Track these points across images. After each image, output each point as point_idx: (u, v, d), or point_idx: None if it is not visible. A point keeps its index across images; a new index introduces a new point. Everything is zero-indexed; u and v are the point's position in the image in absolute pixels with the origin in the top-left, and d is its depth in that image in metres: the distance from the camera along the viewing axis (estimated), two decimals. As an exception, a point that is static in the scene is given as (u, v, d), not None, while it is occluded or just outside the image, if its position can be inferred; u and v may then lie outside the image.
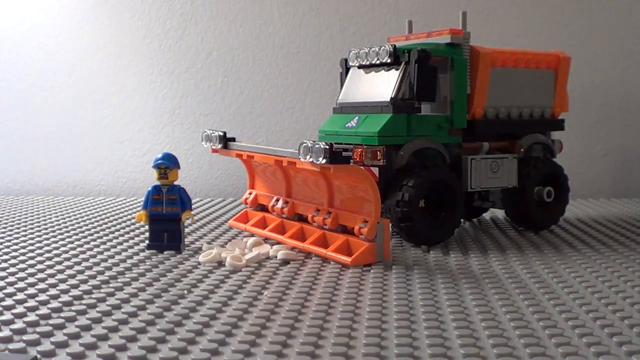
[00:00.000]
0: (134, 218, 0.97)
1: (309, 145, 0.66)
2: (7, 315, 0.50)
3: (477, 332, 0.47)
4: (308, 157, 0.66)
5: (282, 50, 1.30)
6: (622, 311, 0.51)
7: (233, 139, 0.84)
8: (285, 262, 0.69)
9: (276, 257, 0.70)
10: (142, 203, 0.75)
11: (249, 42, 1.31)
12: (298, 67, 1.30)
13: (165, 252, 0.74)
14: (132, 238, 0.83)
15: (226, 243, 0.78)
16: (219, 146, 0.84)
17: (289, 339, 0.45)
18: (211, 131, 0.85)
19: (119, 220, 0.96)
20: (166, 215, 0.74)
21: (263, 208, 0.86)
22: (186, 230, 0.86)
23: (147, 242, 0.75)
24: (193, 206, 0.79)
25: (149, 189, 0.75)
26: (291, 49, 1.30)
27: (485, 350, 0.43)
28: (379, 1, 1.27)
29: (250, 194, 0.87)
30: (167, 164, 0.74)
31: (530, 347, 0.43)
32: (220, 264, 0.69)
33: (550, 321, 0.49)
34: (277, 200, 0.81)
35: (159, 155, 0.75)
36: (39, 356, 0.42)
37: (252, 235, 0.82)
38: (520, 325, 0.48)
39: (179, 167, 0.75)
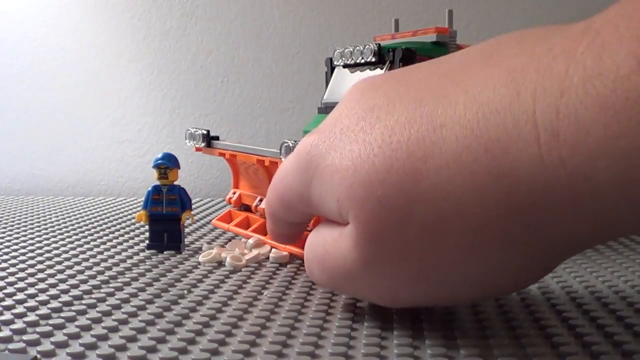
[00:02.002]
0: (134, 218, 0.97)
1: (291, 145, 0.65)
2: (7, 315, 0.50)
3: (477, 332, 0.47)
4: None
5: (282, 50, 1.30)
6: (622, 311, 0.51)
7: (217, 138, 0.83)
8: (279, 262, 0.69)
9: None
10: (142, 203, 0.75)
11: (249, 42, 1.31)
12: (298, 67, 1.30)
13: (165, 252, 0.74)
14: (132, 238, 0.83)
15: (226, 243, 0.78)
16: (203, 145, 0.83)
17: (289, 339, 0.45)
18: (195, 129, 0.84)
19: (119, 220, 0.96)
20: (166, 215, 0.74)
21: (247, 208, 0.85)
22: (186, 230, 0.86)
23: (147, 242, 0.75)
24: (193, 206, 0.79)
25: (149, 189, 0.75)
26: (291, 49, 1.30)
27: (485, 350, 0.43)
28: (378, 1, 1.27)
29: (234, 193, 0.87)
30: (167, 164, 0.74)
31: (530, 347, 0.43)
32: (220, 264, 0.69)
33: (550, 321, 0.49)
34: (261, 200, 0.81)
35: (159, 155, 0.75)
36: (39, 356, 0.42)
37: (236, 235, 0.82)
38: (520, 325, 0.48)
39: (179, 167, 0.75)
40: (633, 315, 0.50)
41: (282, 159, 0.66)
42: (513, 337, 0.46)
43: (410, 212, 0.41)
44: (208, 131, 0.83)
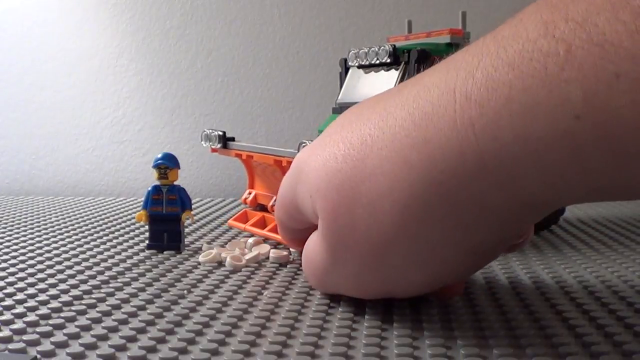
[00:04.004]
0: (134, 218, 0.97)
1: (309, 144, 0.66)
2: (7, 315, 0.50)
3: (477, 332, 0.47)
4: None
5: (282, 50, 1.30)
6: (622, 311, 0.51)
7: (232, 139, 0.84)
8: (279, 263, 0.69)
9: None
10: (142, 203, 0.75)
11: (249, 42, 1.31)
12: (298, 67, 1.30)
13: (165, 252, 0.74)
14: (132, 238, 0.83)
15: (226, 243, 0.78)
16: (219, 146, 0.84)
17: (288, 339, 0.45)
18: (211, 130, 0.85)
19: (119, 220, 0.96)
20: (166, 215, 0.74)
21: (263, 208, 0.86)
22: (186, 230, 0.86)
23: (147, 242, 0.75)
24: (193, 206, 0.79)
25: (149, 189, 0.75)
26: (291, 49, 1.30)
27: (485, 350, 0.43)
28: (379, 1, 1.27)
29: (250, 193, 0.87)
30: (167, 164, 0.74)
31: (530, 347, 0.43)
32: (220, 264, 0.69)
33: (550, 321, 0.49)
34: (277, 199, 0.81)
35: (159, 155, 0.75)
36: (39, 356, 0.42)
37: (252, 235, 0.82)
38: (519, 325, 0.48)
39: (179, 167, 0.75)
40: (633, 315, 0.50)
41: None
42: (513, 337, 0.46)
43: (358, 192, 0.44)
44: (224, 132, 0.84)
